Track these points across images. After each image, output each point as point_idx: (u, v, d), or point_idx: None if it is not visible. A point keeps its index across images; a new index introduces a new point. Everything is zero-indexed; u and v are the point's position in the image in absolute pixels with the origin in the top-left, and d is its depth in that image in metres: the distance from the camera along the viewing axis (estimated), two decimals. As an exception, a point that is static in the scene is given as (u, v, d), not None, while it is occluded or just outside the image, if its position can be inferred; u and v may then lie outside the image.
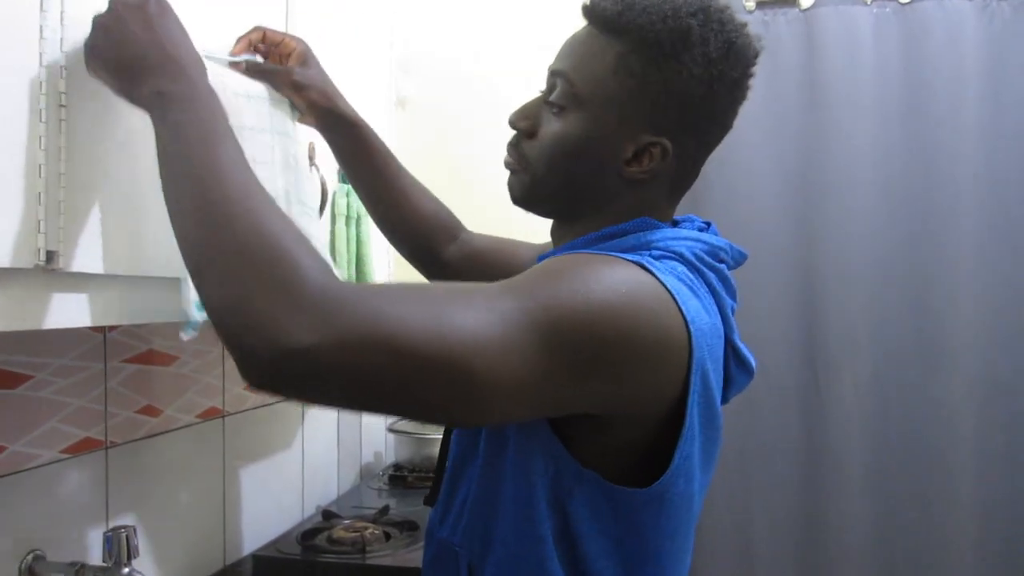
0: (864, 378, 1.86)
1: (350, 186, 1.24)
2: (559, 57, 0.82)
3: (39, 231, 0.69)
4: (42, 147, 0.69)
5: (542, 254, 0.87)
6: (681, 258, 0.76)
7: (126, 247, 0.80)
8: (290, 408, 1.73)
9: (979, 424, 1.82)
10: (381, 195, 1.12)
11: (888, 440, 1.86)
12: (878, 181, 1.85)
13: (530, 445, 0.73)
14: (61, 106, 0.71)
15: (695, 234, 0.81)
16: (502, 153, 0.86)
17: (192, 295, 0.80)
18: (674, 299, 0.70)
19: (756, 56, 0.80)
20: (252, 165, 0.67)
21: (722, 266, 0.81)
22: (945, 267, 1.82)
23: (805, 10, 1.89)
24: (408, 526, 1.55)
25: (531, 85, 0.87)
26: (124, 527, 1.01)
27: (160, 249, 0.85)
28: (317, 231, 1.17)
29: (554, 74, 0.81)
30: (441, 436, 0.91)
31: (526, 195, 0.84)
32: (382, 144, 1.11)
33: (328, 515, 1.63)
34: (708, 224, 0.87)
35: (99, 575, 0.99)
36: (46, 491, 1.06)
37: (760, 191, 1.89)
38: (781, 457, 1.90)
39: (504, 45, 1.99)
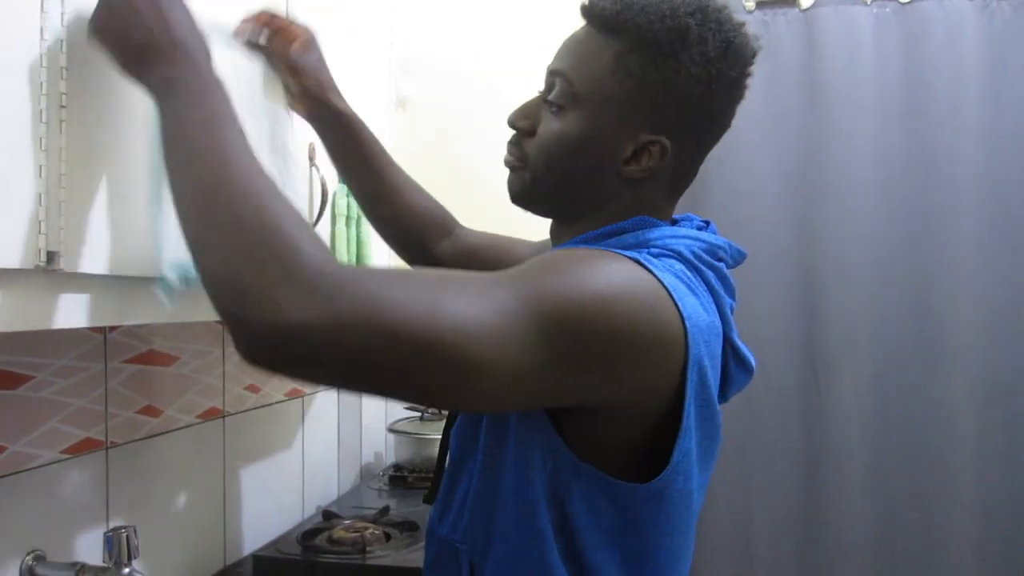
0: (864, 378, 1.86)
1: (349, 186, 1.24)
2: (558, 57, 0.83)
3: (40, 232, 0.69)
4: (42, 148, 0.69)
5: (540, 251, 0.88)
6: (679, 256, 0.76)
7: (127, 248, 0.80)
8: (290, 408, 1.73)
9: (979, 424, 1.82)
10: (372, 189, 1.12)
11: (888, 440, 1.86)
12: (878, 181, 1.85)
13: (529, 439, 0.74)
14: (62, 107, 0.71)
15: (694, 232, 0.81)
16: (502, 153, 0.86)
17: (167, 254, 0.78)
18: (670, 295, 0.70)
19: (754, 55, 0.80)
20: None
21: (721, 265, 0.82)
22: (945, 267, 1.83)
23: (805, 10, 1.89)
24: (408, 526, 1.55)
25: (531, 85, 0.87)
26: (124, 527, 1.01)
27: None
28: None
29: (553, 74, 0.82)
30: (440, 435, 0.91)
31: (525, 193, 0.85)
32: (374, 138, 1.10)
33: (328, 515, 1.63)
34: (707, 223, 0.87)
35: (99, 575, 1.00)
36: (46, 491, 1.06)
37: (760, 191, 1.89)
38: (781, 457, 1.90)
39: (504, 45, 1.99)
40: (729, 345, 0.79)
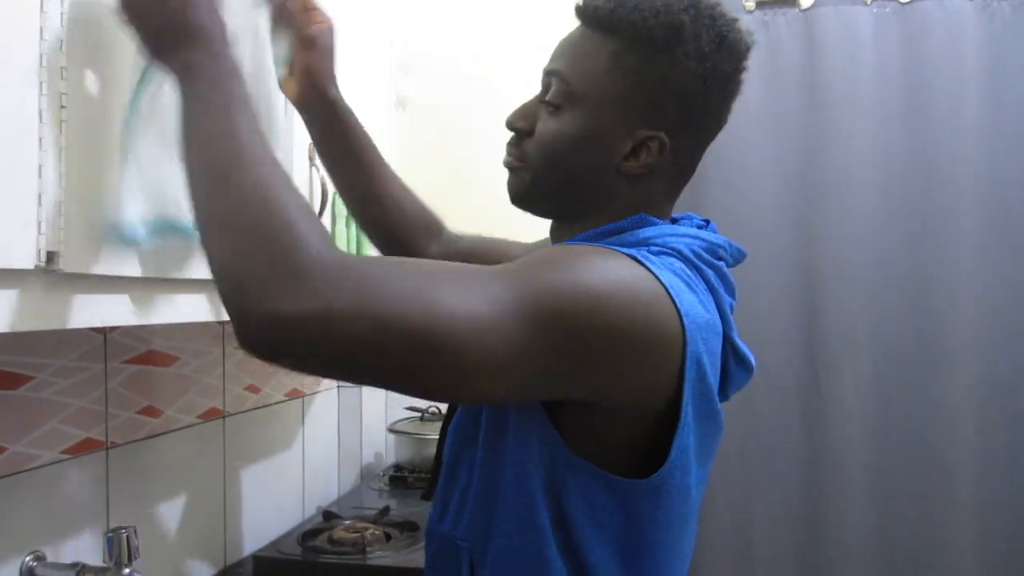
0: (864, 378, 1.86)
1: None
2: (553, 58, 0.83)
3: (39, 232, 0.69)
4: (42, 147, 0.69)
5: (535, 250, 0.88)
6: (679, 255, 0.76)
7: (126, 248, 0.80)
8: (291, 409, 1.73)
9: (979, 424, 1.81)
10: (362, 187, 1.09)
11: (888, 440, 1.86)
12: (878, 181, 1.85)
13: (528, 433, 0.74)
14: (61, 107, 0.71)
15: (694, 231, 0.81)
16: (502, 153, 0.86)
17: (132, 208, 0.77)
18: (668, 293, 0.70)
19: (748, 50, 0.81)
20: None
21: (721, 263, 0.82)
22: (945, 267, 1.82)
23: (805, 10, 1.89)
24: (409, 527, 1.55)
25: (531, 85, 0.87)
26: (125, 528, 1.01)
27: (160, 250, 0.85)
28: None
29: (549, 74, 0.82)
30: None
31: (525, 193, 0.85)
32: (366, 135, 1.08)
33: (329, 516, 1.63)
34: (707, 222, 0.87)
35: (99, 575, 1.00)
36: (47, 492, 1.06)
37: (760, 191, 1.89)
38: (781, 457, 1.90)
39: (504, 45, 1.99)
40: (729, 344, 0.79)
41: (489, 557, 0.77)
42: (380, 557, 1.40)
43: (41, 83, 0.69)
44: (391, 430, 2.02)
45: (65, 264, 0.71)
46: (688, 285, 0.74)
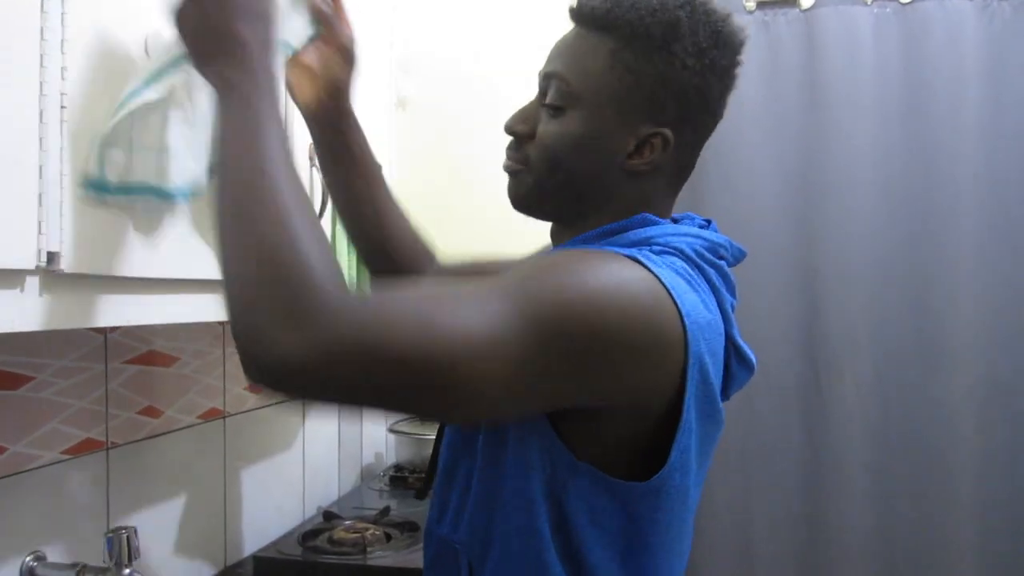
0: (864, 378, 1.86)
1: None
2: (550, 60, 0.83)
3: (39, 232, 0.69)
4: (42, 148, 0.69)
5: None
6: (681, 254, 0.76)
7: (127, 248, 0.80)
8: (291, 409, 1.73)
9: (979, 424, 1.81)
10: (361, 207, 1.06)
11: (888, 439, 1.86)
12: (878, 181, 1.85)
13: (528, 440, 0.74)
14: (62, 107, 0.71)
15: (695, 231, 0.81)
16: (502, 153, 0.86)
17: (98, 154, 0.75)
18: (670, 294, 0.70)
19: (742, 44, 0.82)
20: None
21: (722, 263, 0.82)
22: (945, 267, 1.82)
23: (805, 10, 1.89)
24: (409, 527, 1.55)
25: (531, 85, 0.87)
26: (125, 528, 1.01)
27: (160, 250, 0.85)
28: None
29: (547, 76, 0.82)
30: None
31: (528, 195, 0.84)
32: (371, 151, 1.07)
33: (329, 516, 1.63)
34: (708, 222, 0.87)
35: (100, 576, 1.00)
36: (47, 492, 1.06)
37: (760, 191, 1.89)
38: (781, 457, 1.90)
39: (504, 45, 1.99)
40: (731, 343, 0.79)
41: (488, 562, 0.77)
42: (380, 557, 1.40)
43: (41, 83, 0.69)
44: (391, 430, 2.02)
45: (65, 264, 0.71)
46: (690, 284, 0.74)
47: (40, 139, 0.69)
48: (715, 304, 0.77)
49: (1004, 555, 1.81)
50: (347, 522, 1.58)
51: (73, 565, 1.01)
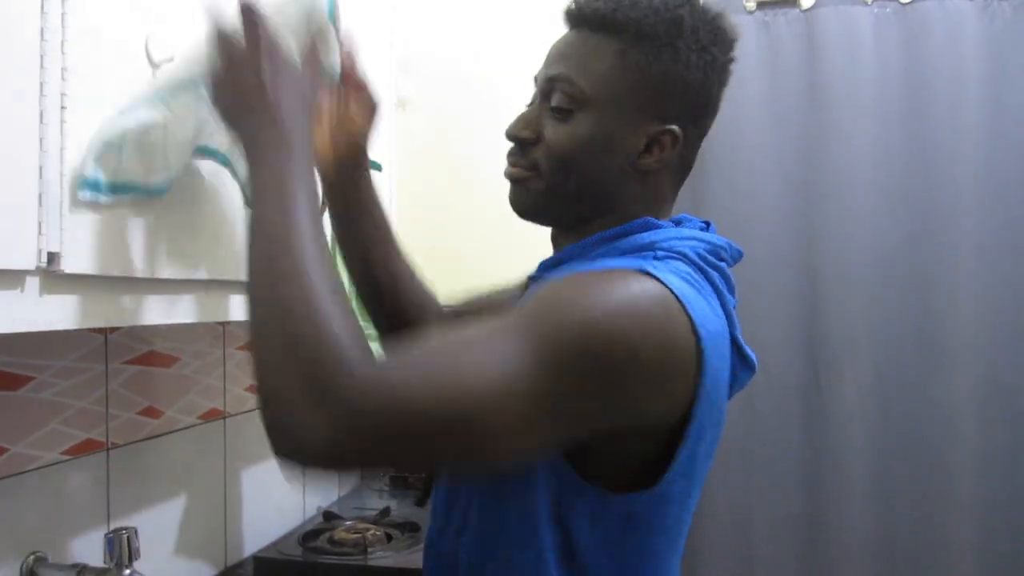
0: (865, 378, 1.86)
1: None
2: (551, 63, 0.82)
3: (39, 232, 0.69)
4: (42, 148, 0.69)
5: (533, 275, 0.88)
6: (685, 258, 0.76)
7: (127, 249, 0.80)
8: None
9: (979, 424, 1.81)
10: (374, 273, 1.05)
11: (889, 439, 1.86)
12: (878, 181, 1.85)
13: (532, 462, 0.73)
14: (62, 107, 0.71)
15: (697, 233, 0.81)
16: (502, 153, 0.85)
17: (95, 156, 0.75)
18: (680, 303, 0.69)
19: (735, 41, 0.83)
20: None
21: (722, 264, 0.82)
22: (945, 267, 1.82)
23: (805, 10, 1.89)
24: (409, 527, 1.55)
25: (531, 85, 0.87)
26: (125, 529, 1.01)
27: (161, 251, 0.85)
28: None
29: (551, 80, 0.81)
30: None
31: (538, 202, 0.83)
32: (382, 205, 1.06)
33: (329, 516, 1.63)
34: (707, 224, 0.87)
35: (100, 576, 1.00)
36: (48, 493, 1.06)
37: (760, 191, 1.89)
38: (782, 457, 1.90)
39: (504, 45, 1.99)
40: (734, 344, 0.79)
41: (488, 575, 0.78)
42: (381, 558, 1.40)
43: (41, 83, 0.69)
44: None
45: (66, 265, 0.71)
46: (696, 290, 0.73)
47: (40, 139, 0.69)
48: (719, 307, 0.77)
49: (1004, 555, 1.81)
50: (347, 522, 1.58)
51: (73, 566, 1.01)
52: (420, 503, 0.92)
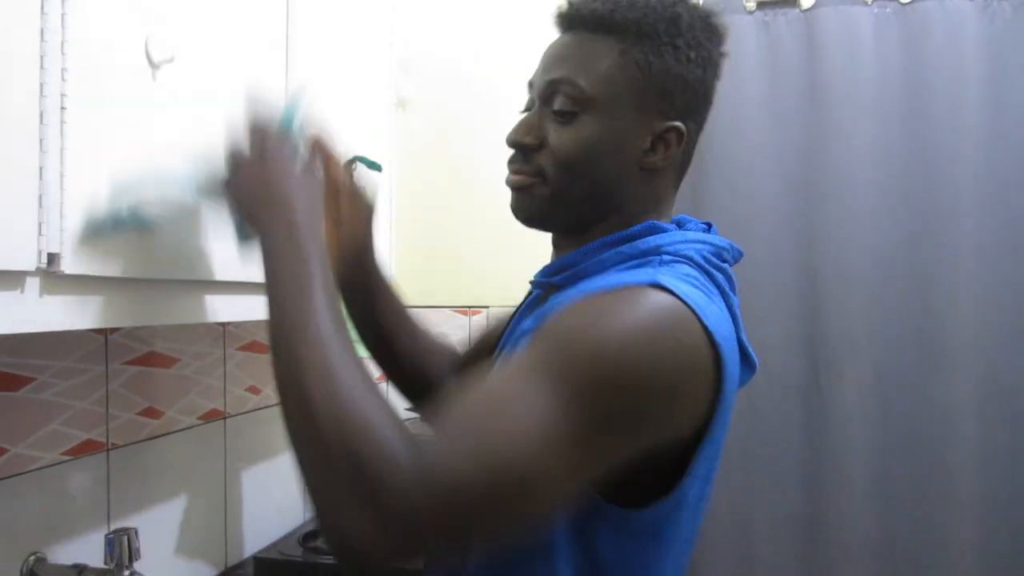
0: (865, 378, 1.86)
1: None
2: (549, 68, 0.82)
3: (40, 233, 0.69)
4: (42, 148, 0.69)
5: (534, 281, 0.88)
6: (691, 262, 0.76)
7: (127, 249, 0.80)
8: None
9: (980, 424, 1.81)
10: (388, 355, 1.08)
11: (889, 439, 1.85)
12: (878, 181, 1.85)
13: None
14: (62, 108, 0.71)
15: (701, 236, 0.81)
16: (502, 153, 0.85)
17: (109, 208, 0.77)
18: (694, 311, 0.69)
19: (726, 36, 0.84)
20: None
21: (725, 265, 0.82)
22: (945, 267, 1.82)
23: (805, 10, 1.89)
24: (409, 527, 1.55)
25: (528, 89, 0.86)
26: (125, 529, 1.01)
27: (161, 251, 0.85)
28: None
29: (552, 83, 0.81)
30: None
31: (543, 208, 0.83)
32: (393, 291, 1.07)
33: (329, 516, 1.62)
34: (709, 225, 0.87)
35: (100, 577, 1.00)
36: (48, 493, 1.06)
37: (760, 191, 1.89)
38: (782, 456, 1.90)
39: (504, 45, 1.99)
40: (739, 345, 0.79)
41: None
42: (381, 558, 1.40)
43: (41, 84, 0.69)
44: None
45: (66, 265, 0.71)
46: (705, 294, 0.73)
47: (40, 140, 0.69)
48: (725, 308, 0.77)
49: (1004, 555, 1.81)
50: (347, 523, 1.57)
51: (74, 566, 1.01)
52: None
